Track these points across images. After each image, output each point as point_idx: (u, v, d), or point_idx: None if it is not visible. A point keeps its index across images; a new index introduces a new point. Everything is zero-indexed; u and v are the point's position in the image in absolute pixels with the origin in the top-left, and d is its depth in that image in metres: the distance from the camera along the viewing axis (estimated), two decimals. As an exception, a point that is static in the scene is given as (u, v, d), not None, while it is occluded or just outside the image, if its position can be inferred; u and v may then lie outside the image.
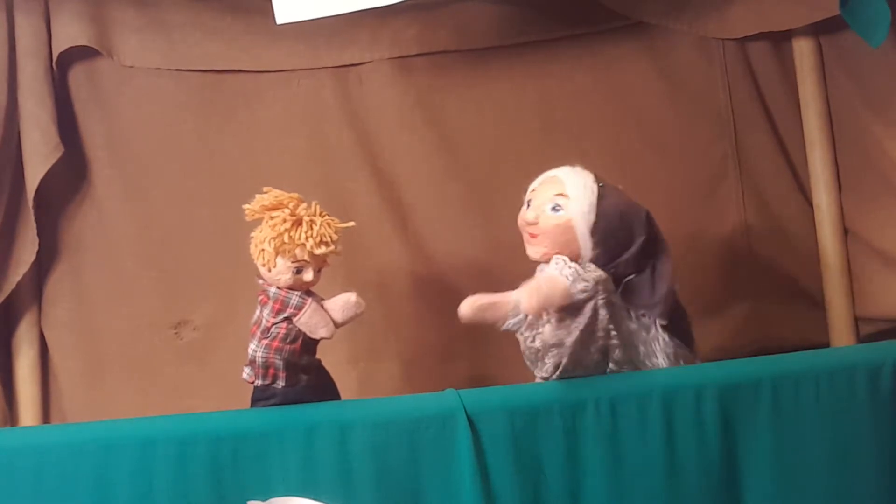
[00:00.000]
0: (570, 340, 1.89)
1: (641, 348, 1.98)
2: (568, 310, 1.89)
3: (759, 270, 2.57)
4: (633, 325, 1.97)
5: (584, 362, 1.92)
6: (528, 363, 2.01)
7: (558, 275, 1.90)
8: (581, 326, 1.89)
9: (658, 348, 1.98)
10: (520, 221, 2.02)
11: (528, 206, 2.01)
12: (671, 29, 2.56)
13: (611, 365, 1.95)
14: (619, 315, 1.94)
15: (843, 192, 2.56)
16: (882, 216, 2.42)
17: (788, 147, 2.61)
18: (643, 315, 1.97)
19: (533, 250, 1.99)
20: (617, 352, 1.94)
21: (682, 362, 2.00)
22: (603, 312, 1.91)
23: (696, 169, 2.58)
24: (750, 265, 2.57)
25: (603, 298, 1.91)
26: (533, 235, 1.99)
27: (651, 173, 2.54)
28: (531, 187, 2.04)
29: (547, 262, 1.96)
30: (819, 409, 1.95)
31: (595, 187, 1.97)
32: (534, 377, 2.01)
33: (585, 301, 1.89)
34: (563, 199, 1.96)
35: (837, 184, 2.57)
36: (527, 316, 1.95)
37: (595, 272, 1.93)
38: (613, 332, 1.94)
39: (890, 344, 2.21)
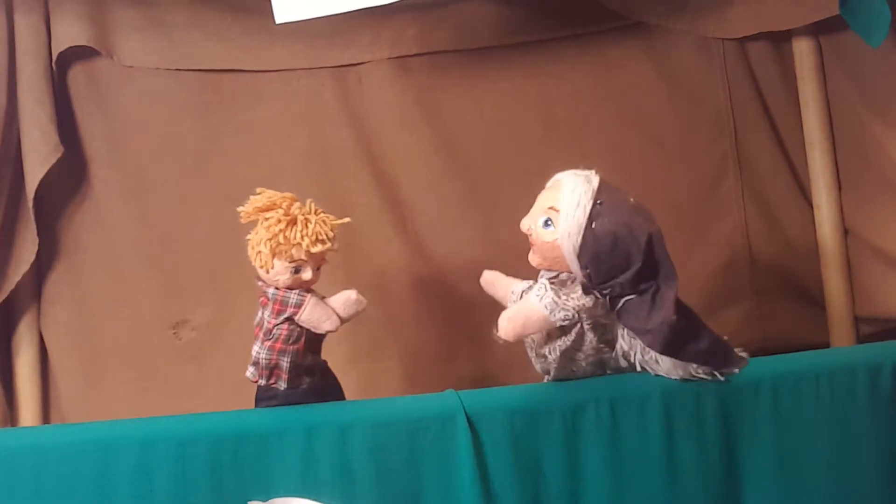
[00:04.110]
0: (552, 357, 1.88)
1: (639, 358, 1.92)
2: (554, 330, 1.86)
3: (759, 270, 2.57)
4: (630, 343, 1.91)
5: (577, 374, 1.91)
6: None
7: (538, 303, 1.82)
8: (565, 346, 1.87)
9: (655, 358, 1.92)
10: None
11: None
12: (671, 29, 2.56)
13: (608, 372, 1.94)
14: (612, 333, 1.90)
15: (843, 192, 2.56)
16: (882, 216, 2.42)
17: (788, 147, 2.61)
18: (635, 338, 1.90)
19: (531, 258, 1.91)
20: (613, 363, 1.93)
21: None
22: (590, 336, 1.87)
23: (696, 169, 2.58)
24: (750, 265, 2.57)
25: (589, 323, 1.85)
26: (532, 244, 1.90)
27: (651, 173, 2.54)
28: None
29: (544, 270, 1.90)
30: (819, 409, 1.95)
31: (589, 206, 1.80)
32: (535, 377, 1.99)
33: (570, 326, 1.85)
34: (555, 214, 1.83)
35: (837, 184, 2.57)
36: None
37: (578, 300, 1.82)
38: (606, 349, 1.90)
39: (890, 344, 2.21)
